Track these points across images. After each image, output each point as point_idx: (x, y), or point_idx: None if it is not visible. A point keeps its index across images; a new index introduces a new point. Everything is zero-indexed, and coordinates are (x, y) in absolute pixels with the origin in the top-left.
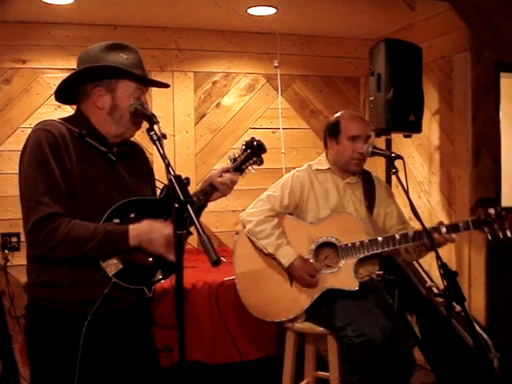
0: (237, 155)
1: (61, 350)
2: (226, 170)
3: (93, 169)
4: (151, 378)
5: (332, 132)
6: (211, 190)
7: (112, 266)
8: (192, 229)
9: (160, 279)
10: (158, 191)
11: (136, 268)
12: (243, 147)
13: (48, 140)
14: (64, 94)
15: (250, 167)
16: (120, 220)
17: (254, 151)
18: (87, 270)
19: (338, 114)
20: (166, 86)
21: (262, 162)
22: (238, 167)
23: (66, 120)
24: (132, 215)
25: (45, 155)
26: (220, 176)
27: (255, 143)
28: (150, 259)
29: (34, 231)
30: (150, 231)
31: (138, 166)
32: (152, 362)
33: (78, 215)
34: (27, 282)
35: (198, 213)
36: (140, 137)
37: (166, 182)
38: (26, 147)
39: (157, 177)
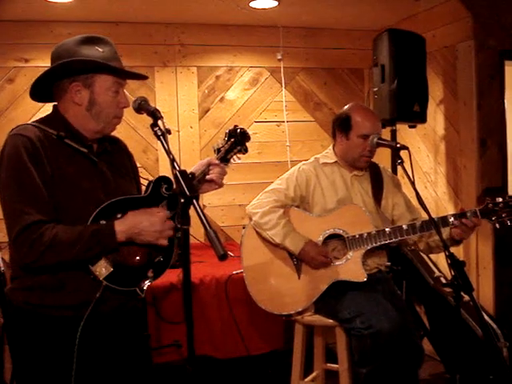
0: (221, 145)
1: (53, 355)
2: (212, 163)
3: (74, 171)
4: (144, 376)
5: (342, 126)
6: (197, 184)
7: (102, 270)
8: (197, 224)
9: (152, 279)
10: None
11: (127, 269)
12: (226, 136)
13: (25, 145)
14: (41, 91)
15: (234, 157)
16: (106, 222)
17: (238, 140)
18: (75, 272)
19: (349, 107)
20: (144, 77)
21: (246, 151)
22: (224, 157)
23: (42, 121)
24: (119, 215)
25: (23, 161)
26: (208, 169)
27: (238, 131)
28: (138, 258)
29: (19, 241)
30: (138, 222)
31: (122, 163)
32: (144, 361)
33: (63, 219)
34: (11, 286)
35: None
36: (145, 133)
37: (171, 176)
38: (2, 154)
39: (162, 172)
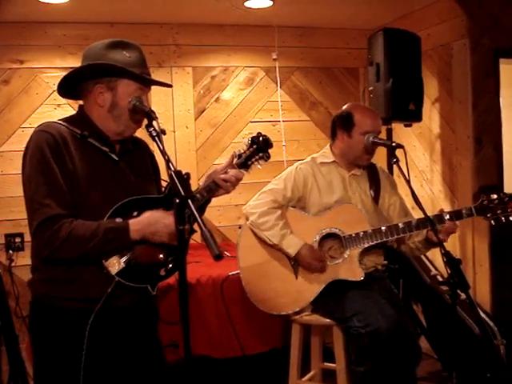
0: (242, 151)
1: (65, 347)
2: (231, 166)
3: (95, 169)
4: (157, 373)
5: (344, 125)
6: (215, 187)
7: (115, 265)
8: (195, 225)
9: (164, 276)
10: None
11: (139, 266)
12: (249, 142)
13: (48, 142)
14: (67, 90)
15: (256, 163)
16: (122, 219)
17: (260, 146)
18: (89, 267)
19: (349, 106)
20: (169, 85)
21: (268, 158)
22: (244, 163)
23: (67, 120)
24: (135, 213)
25: (46, 157)
26: (224, 172)
27: (261, 138)
28: (161, 256)
29: (38, 234)
30: (153, 222)
31: (143, 164)
32: (157, 358)
33: (81, 216)
34: (31, 278)
35: (203, 209)
36: (140, 133)
37: (166, 177)
38: (27, 150)
39: None
